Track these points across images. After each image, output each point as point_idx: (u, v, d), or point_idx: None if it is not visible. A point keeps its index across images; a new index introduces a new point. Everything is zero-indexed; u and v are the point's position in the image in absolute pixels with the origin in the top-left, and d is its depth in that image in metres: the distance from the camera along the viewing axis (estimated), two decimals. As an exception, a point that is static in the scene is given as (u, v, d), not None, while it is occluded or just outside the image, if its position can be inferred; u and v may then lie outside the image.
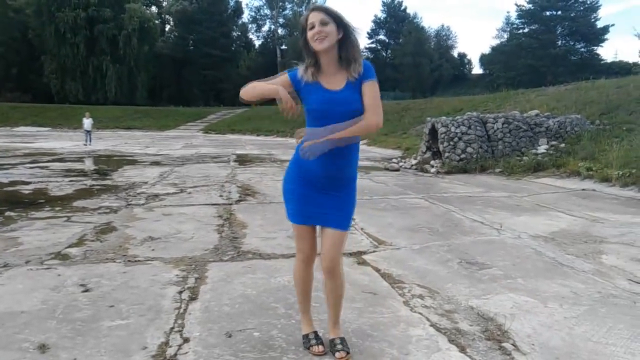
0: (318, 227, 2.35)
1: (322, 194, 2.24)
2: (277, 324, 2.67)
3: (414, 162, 11.72)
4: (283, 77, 2.23)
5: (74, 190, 7.38)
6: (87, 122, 19.61)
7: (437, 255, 4.10)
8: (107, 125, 33.10)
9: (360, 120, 2.11)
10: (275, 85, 2.15)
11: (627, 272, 3.69)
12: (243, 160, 13.12)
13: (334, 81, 2.17)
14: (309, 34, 2.13)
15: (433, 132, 11.46)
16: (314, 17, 2.12)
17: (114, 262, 3.78)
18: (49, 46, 42.89)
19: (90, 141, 18.99)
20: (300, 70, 2.20)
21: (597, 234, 4.93)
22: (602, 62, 45.97)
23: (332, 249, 2.28)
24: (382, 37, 61.61)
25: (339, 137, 2.10)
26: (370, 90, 2.15)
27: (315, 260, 2.41)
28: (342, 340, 2.38)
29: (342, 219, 2.28)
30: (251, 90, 2.20)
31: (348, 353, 2.33)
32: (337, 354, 2.30)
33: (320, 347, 2.34)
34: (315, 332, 2.43)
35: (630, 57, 74.14)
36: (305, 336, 2.43)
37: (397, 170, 11.13)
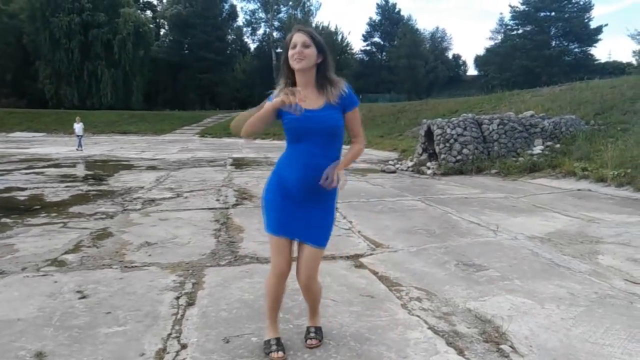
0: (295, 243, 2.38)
1: (301, 208, 2.27)
2: (275, 329, 2.66)
3: (410, 164, 11.74)
4: (264, 104, 2.26)
5: (70, 196, 7.35)
6: (78, 127, 19.39)
7: (434, 258, 4.10)
8: (102, 130, 33.01)
9: (354, 149, 2.35)
10: (265, 105, 2.20)
11: (624, 272, 3.70)
12: (239, 164, 13.11)
13: (312, 101, 2.23)
14: (290, 52, 2.21)
15: (429, 133, 11.48)
16: (298, 38, 2.21)
17: (111, 268, 3.77)
18: (44, 51, 42.73)
19: (81, 146, 18.69)
20: (275, 92, 2.27)
21: (593, 234, 4.95)
22: (596, 62, 46.23)
23: (308, 266, 2.33)
24: (377, 39, 61.78)
25: (347, 166, 2.26)
26: (356, 118, 2.32)
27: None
28: (317, 329, 2.51)
29: (320, 236, 2.32)
30: (249, 124, 2.20)
31: (320, 341, 2.46)
32: (308, 342, 2.45)
33: (281, 353, 2.33)
34: (278, 339, 2.42)
35: (623, 57, 74.57)
36: (267, 342, 2.41)
37: (394, 172, 11.14)
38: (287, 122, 2.23)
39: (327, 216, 2.34)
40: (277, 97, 2.16)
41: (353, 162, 2.39)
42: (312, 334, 2.48)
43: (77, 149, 18.28)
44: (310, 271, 2.34)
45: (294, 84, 2.27)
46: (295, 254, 2.40)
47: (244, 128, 2.21)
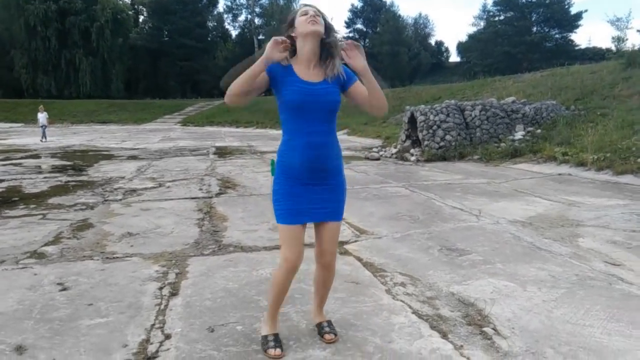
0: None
1: (309, 189, 2.20)
2: (260, 317, 2.64)
3: (394, 150, 11.77)
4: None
5: (48, 187, 7.21)
6: (42, 117, 18.32)
7: (418, 243, 4.13)
8: (81, 119, 32.47)
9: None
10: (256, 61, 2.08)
11: (603, 254, 3.77)
12: (223, 153, 13.00)
13: (312, 74, 2.18)
14: (302, 18, 2.15)
15: (412, 120, 11.52)
16: (308, 9, 2.18)
17: (92, 259, 3.71)
18: (19, 40, 41.68)
19: (45, 137, 17.60)
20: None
21: (574, 217, 5.03)
22: (577, 48, 46.74)
23: (331, 243, 2.30)
24: (359, 26, 61.54)
25: (371, 78, 2.15)
26: (361, 87, 2.22)
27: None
28: (329, 322, 2.45)
29: (334, 210, 2.27)
30: (235, 83, 2.07)
31: (336, 335, 2.39)
32: (327, 336, 2.37)
33: (279, 350, 2.24)
34: (276, 335, 2.33)
35: (603, 42, 75.34)
36: (265, 337, 2.33)
37: (378, 159, 11.16)
38: (287, 94, 2.13)
39: (337, 189, 2.28)
40: (266, 48, 2.06)
41: (375, 85, 2.18)
42: (326, 328, 2.40)
43: (41, 140, 17.25)
44: (333, 247, 2.31)
45: (293, 51, 2.21)
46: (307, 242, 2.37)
47: (231, 87, 2.07)
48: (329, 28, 2.20)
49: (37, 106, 32.74)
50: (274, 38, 2.07)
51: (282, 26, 2.26)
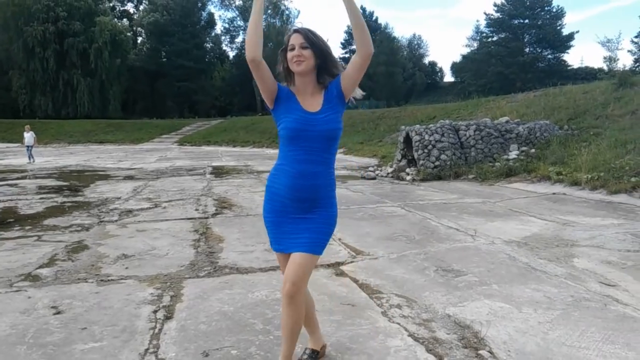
0: None
1: (294, 220, 2.14)
2: (255, 341, 2.64)
3: (390, 170, 11.82)
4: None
5: (44, 208, 7.20)
6: (28, 136, 17.90)
7: (414, 264, 4.13)
8: (78, 139, 32.49)
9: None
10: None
11: (598, 274, 3.78)
12: (219, 172, 13.01)
13: (312, 102, 2.15)
14: (289, 54, 2.13)
15: (408, 140, 11.59)
16: (295, 40, 2.12)
17: (86, 282, 3.69)
18: (18, 61, 41.94)
19: (32, 158, 17.26)
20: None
21: (569, 237, 5.04)
22: (569, 68, 47.33)
23: (291, 271, 2.09)
24: (355, 47, 62.22)
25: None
26: (349, 67, 2.17)
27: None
28: (313, 351, 2.39)
29: (310, 242, 2.11)
30: (248, 28, 2.09)
31: None
32: None
33: None
34: None
35: (595, 62, 76.59)
36: None
37: (374, 178, 11.20)
38: (285, 123, 2.11)
39: (322, 221, 2.14)
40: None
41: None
42: (305, 356, 2.36)
43: (28, 162, 16.81)
44: (293, 277, 2.06)
45: (292, 79, 2.19)
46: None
47: (246, 41, 2.09)
48: (322, 51, 2.13)
49: (34, 126, 32.45)
50: None
51: (279, 52, 2.21)
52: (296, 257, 2.11)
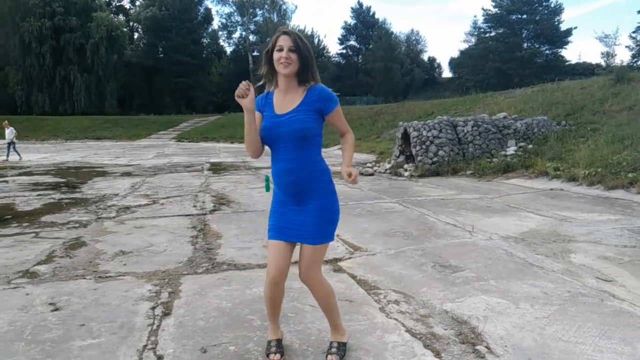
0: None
1: (296, 210, 2.29)
2: (253, 337, 2.65)
3: (387, 166, 11.82)
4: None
5: (42, 205, 7.18)
6: (8, 132, 17.52)
7: (411, 260, 4.14)
8: (75, 136, 32.37)
9: (347, 142, 2.38)
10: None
11: (595, 270, 3.80)
12: (217, 169, 13.00)
13: (286, 104, 2.25)
14: (276, 55, 2.19)
15: (405, 136, 11.60)
16: (284, 41, 2.17)
17: (84, 278, 3.69)
18: (14, 57, 41.74)
19: (9, 155, 16.79)
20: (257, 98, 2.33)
21: (566, 233, 5.06)
22: (567, 63, 47.44)
23: (304, 264, 2.32)
24: (352, 42, 62.19)
25: (351, 160, 2.33)
26: (339, 117, 2.33)
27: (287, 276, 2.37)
28: (339, 344, 2.44)
29: (312, 234, 2.27)
30: (245, 141, 2.30)
31: (341, 358, 2.37)
32: (329, 357, 2.36)
33: (277, 355, 2.36)
34: (279, 340, 2.45)
35: (592, 58, 76.57)
36: (268, 342, 2.45)
37: (372, 174, 11.20)
38: (260, 127, 2.29)
39: (316, 213, 2.26)
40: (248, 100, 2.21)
41: (354, 153, 2.42)
42: (333, 349, 2.40)
43: (4, 159, 16.29)
44: (307, 269, 2.30)
45: (277, 83, 2.29)
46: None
47: (246, 147, 2.32)
48: (305, 59, 2.19)
49: (31, 123, 32.03)
50: (236, 92, 2.19)
51: (264, 53, 2.28)
52: (304, 252, 2.30)
